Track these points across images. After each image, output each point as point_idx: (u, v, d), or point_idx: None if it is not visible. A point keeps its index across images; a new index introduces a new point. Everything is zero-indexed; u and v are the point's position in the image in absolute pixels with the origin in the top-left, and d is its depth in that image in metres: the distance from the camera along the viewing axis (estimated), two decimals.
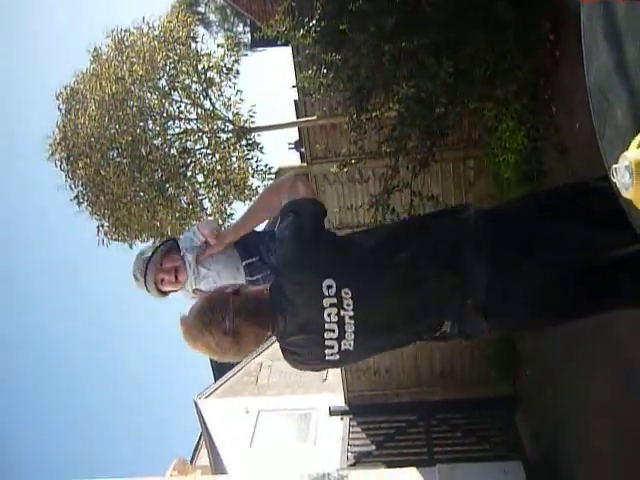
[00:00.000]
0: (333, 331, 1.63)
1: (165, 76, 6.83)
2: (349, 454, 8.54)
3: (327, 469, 7.40)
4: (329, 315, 1.61)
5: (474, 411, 8.69)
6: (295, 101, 6.70)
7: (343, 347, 1.66)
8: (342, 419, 9.23)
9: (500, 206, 2.09)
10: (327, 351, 1.67)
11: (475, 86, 5.09)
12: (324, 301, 1.61)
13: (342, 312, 1.62)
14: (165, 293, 2.60)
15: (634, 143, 1.15)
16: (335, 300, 1.61)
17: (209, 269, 2.52)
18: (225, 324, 1.61)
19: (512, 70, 4.95)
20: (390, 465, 7.86)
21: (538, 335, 6.92)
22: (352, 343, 1.65)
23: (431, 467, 7.23)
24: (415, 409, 8.91)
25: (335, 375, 10.07)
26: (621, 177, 1.08)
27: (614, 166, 1.11)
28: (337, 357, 1.68)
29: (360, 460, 8.41)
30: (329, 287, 1.60)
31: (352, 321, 1.63)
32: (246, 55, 7.74)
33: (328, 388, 10.88)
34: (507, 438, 8.20)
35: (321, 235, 1.74)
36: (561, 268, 1.65)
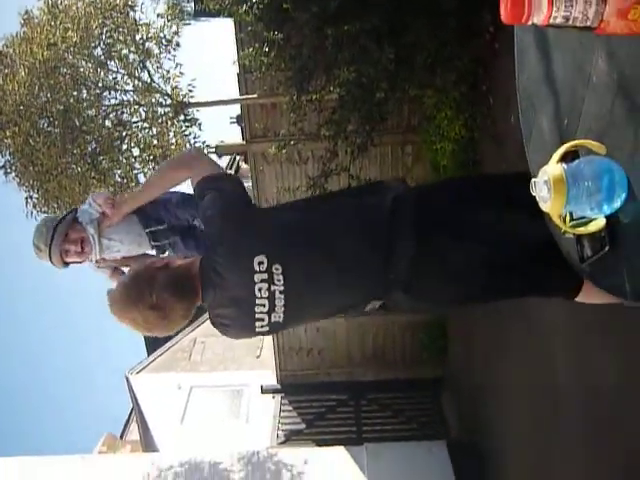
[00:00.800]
0: (264, 305, 1.65)
1: (101, 44, 6.56)
2: (279, 432, 8.63)
3: (257, 447, 7.45)
4: (260, 290, 1.63)
5: (403, 392, 8.92)
6: (237, 76, 6.57)
7: (273, 319, 1.68)
8: (274, 397, 9.31)
9: (423, 187, 2.12)
10: (257, 323, 1.69)
11: (416, 73, 5.13)
12: (255, 277, 1.62)
13: (272, 287, 1.63)
14: (67, 264, 2.55)
15: (554, 157, 1.17)
16: (266, 276, 1.62)
17: (110, 239, 2.51)
18: (152, 299, 1.58)
19: (452, 59, 5.01)
20: (319, 443, 8.00)
21: (468, 320, 7.13)
22: (282, 315, 1.68)
23: (359, 446, 7.39)
24: (346, 389, 9.08)
25: (269, 351, 10.12)
26: (539, 191, 1.10)
27: (533, 180, 1.13)
28: (267, 329, 1.71)
29: (290, 438, 8.51)
30: (260, 263, 1.61)
31: (282, 295, 1.64)
32: (188, 24, 7.50)
33: (262, 365, 10.92)
34: (434, 419, 8.47)
35: (249, 212, 1.74)
36: (476, 250, 1.68)
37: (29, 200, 6.99)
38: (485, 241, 1.67)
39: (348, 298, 1.77)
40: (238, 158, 18.36)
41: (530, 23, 0.77)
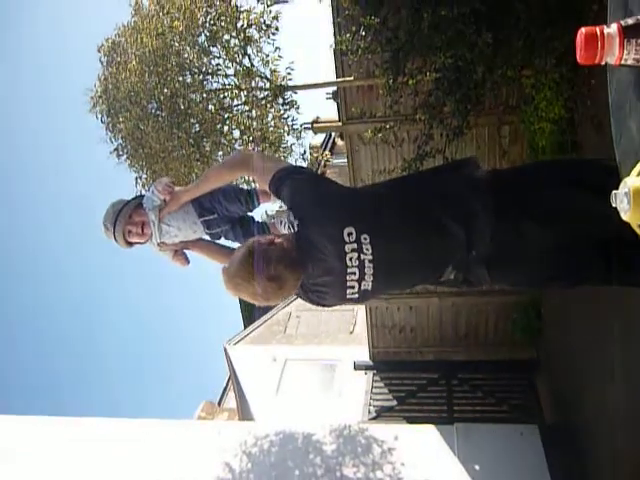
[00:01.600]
0: (354, 273, 1.81)
1: (205, 32, 6.85)
2: (371, 407, 8.80)
3: (348, 421, 7.65)
4: (350, 259, 1.79)
5: (495, 373, 8.84)
6: (334, 58, 6.67)
7: (363, 287, 1.84)
8: (366, 374, 9.47)
9: (508, 169, 2.18)
10: (348, 291, 1.86)
11: (514, 55, 5.05)
12: (346, 247, 1.78)
13: (362, 256, 1.78)
14: (131, 244, 2.77)
15: (635, 170, 1.23)
16: (355, 245, 1.77)
17: (169, 225, 2.70)
18: (270, 271, 1.75)
19: (552, 40, 4.88)
20: (410, 421, 8.10)
21: (564, 303, 6.99)
22: (370, 284, 1.83)
23: (449, 425, 7.42)
24: (437, 368, 9.11)
25: (362, 327, 10.28)
26: (620, 202, 1.17)
27: (614, 192, 1.19)
28: (356, 296, 1.87)
29: (381, 414, 8.66)
30: (349, 234, 1.77)
31: (371, 264, 1.79)
32: (286, 2, 7.58)
33: (355, 341, 11.12)
34: (526, 401, 8.36)
35: (331, 187, 1.91)
36: (559, 233, 1.75)
37: (138, 180, 7.46)
38: (562, 223, 1.74)
39: (429, 269, 1.88)
40: (334, 134, 18.45)
41: (603, 63, 0.85)
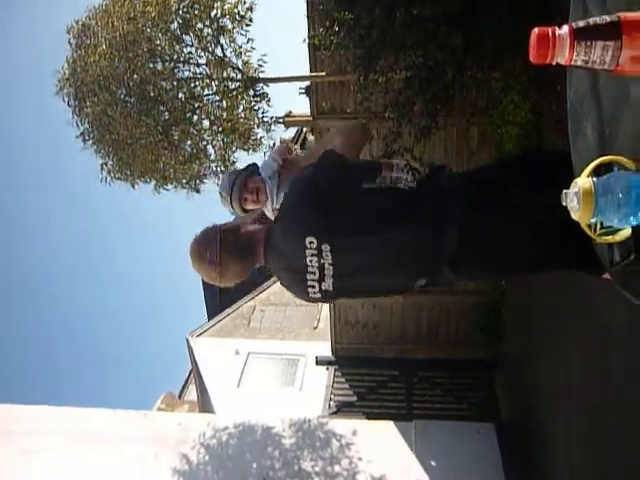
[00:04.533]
0: (314, 273, 1.84)
1: (177, 19, 6.77)
2: (331, 403, 8.85)
3: (308, 416, 7.67)
4: (311, 261, 1.82)
5: (455, 371, 8.97)
6: (308, 53, 6.66)
7: (323, 288, 1.87)
8: (327, 369, 9.52)
9: (476, 169, 2.22)
10: (310, 289, 1.88)
11: (484, 56, 5.11)
12: (306, 251, 1.81)
13: (322, 260, 1.82)
14: (247, 210, 2.87)
15: (586, 170, 1.26)
16: (316, 252, 1.81)
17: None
18: (211, 257, 1.84)
19: (522, 43, 4.94)
20: (369, 416, 8.17)
21: (524, 304, 7.11)
22: (331, 285, 1.86)
23: (408, 422, 7.50)
24: (398, 365, 9.20)
25: (325, 323, 10.32)
26: (570, 201, 1.20)
27: (565, 191, 1.22)
28: (319, 295, 1.90)
29: (341, 409, 8.72)
30: (311, 242, 1.80)
31: (331, 267, 1.82)
32: None
33: (318, 336, 11.15)
34: (484, 400, 8.50)
35: (319, 198, 1.86)
36: (521, 228, 1.79)
37: (104, 167, 7.35)
38: (527, 216, 1.78)
39: (396, 278, 1.91)
40: (305, 130, 18.45)
41: (555, 63, 0.87)
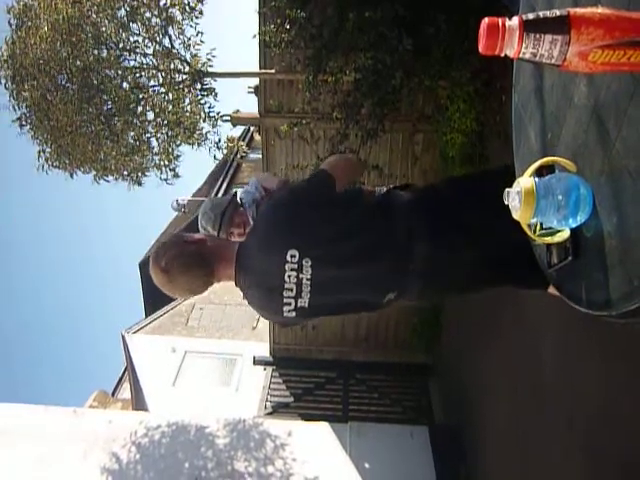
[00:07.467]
0: (291, 290, 1.79)
1: (125, 6, 6.56)
2: (267, 403, 8.82)
3: (244, 416, 7.61)
4: (289, 277, 1.77)
5: (392, 375, 9.08)
6: (258, 49, 6.60)
7: (299, 304, 1.81)
8: (265, 369, 9.48)
9: (428, 187, 2.22)
10: (285, 307, 1.82)
11: (432, 64, 5.18)
12: (286, 266, 1.76)
13: (301, 275, 1.77)
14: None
15: (529, 170, 1.27)
16: (296, 266, 1.76)
17: None
18: (161, 264, 1.79)
19: (469, 54, 5.04)
20: (305, 418, 8.16)
21: (461, 311, 7.24)
22: (307, 302, 1.81)
23: (344, 423, 7.54)
24: (336, 367, 9.25)
25: (265, 323, 10.26)
26: (512, 200, 1.20)
27: (507, 190, 1.22)
28: (293, 314, 1.83)
29: (277, 410, 8.69)
30: (292, 256, 1.76)
31: (309, 282, 1.78)
32: None
33: (257, 336, 11.08)
34: (419, 403, 8.63)
35: (301, 212, 1.83)
36: (484, 246, 1.81)
37: (41, 154, 7.07)
38: (487, 240, 1.80)
39: (368, 292, 1.88)
40: (252, 129, 18.36)
41: (503, 55, 0.86)
